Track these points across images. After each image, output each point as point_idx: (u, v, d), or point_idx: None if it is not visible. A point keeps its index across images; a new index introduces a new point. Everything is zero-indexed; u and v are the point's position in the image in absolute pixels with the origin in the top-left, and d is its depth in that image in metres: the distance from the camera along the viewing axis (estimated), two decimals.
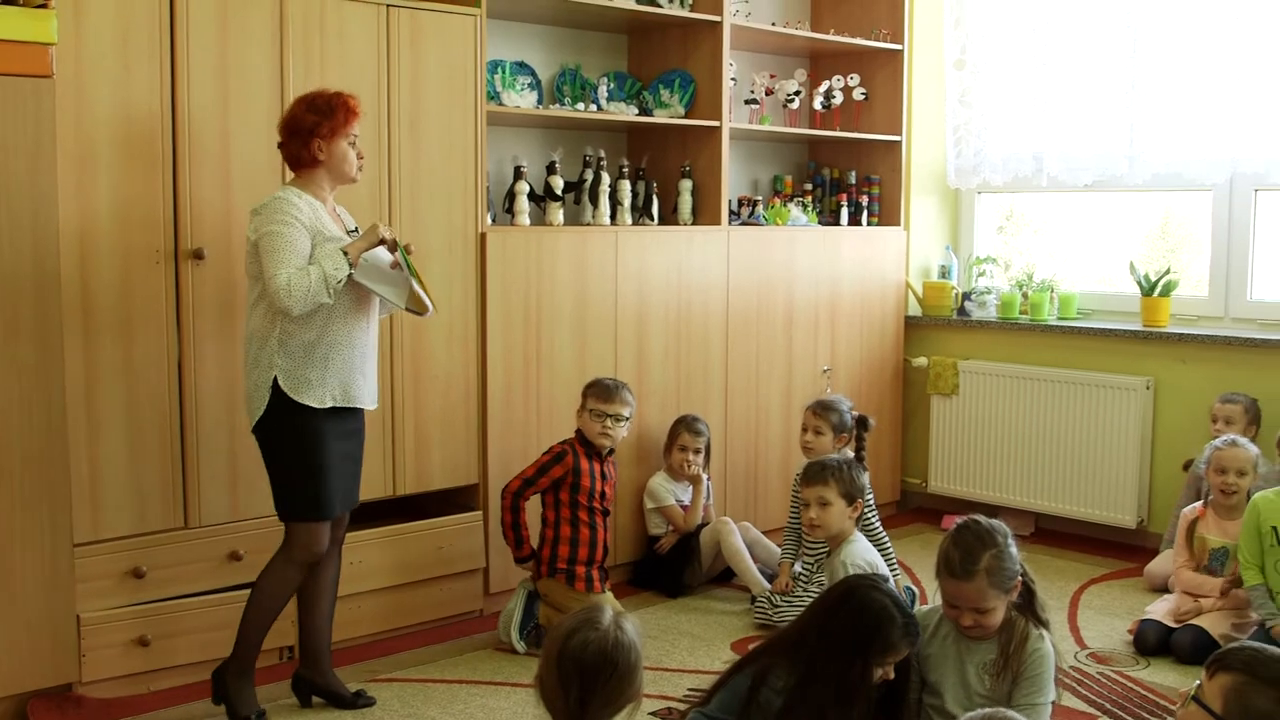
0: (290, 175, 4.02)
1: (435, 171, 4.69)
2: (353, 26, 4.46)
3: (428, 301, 3.98)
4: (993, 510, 6.30)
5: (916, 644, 3.16)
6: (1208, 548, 4.74)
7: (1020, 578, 3.26)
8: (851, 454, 4.97)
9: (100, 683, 4.09)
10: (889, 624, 3.06)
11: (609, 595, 4.77)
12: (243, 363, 3.94)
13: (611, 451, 4.88)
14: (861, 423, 5.09)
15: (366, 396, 3.99)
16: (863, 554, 4.19)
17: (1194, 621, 4.56)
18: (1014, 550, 3.28)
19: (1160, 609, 4.74)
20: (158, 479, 4.17)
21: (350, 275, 3.77)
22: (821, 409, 5.18)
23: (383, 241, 3.87)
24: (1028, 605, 3.30)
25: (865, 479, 4.51)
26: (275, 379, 3.80)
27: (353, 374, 3.91)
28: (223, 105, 4.19)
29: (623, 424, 4.83)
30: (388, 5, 4.55)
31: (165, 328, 4.14)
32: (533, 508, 4.79)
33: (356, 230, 4.02)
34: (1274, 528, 4.34)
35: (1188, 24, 5.72)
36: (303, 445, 3.88)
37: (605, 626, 2.58)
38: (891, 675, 3.10)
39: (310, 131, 3.86)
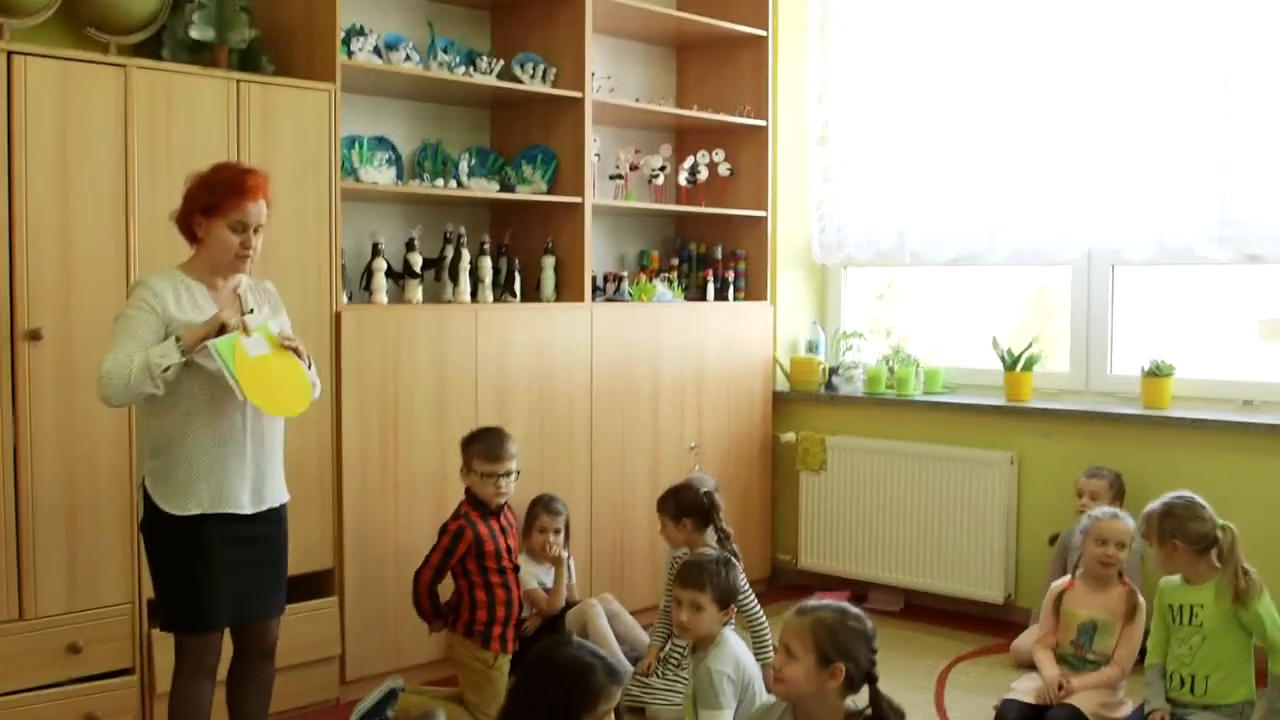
0: None
1: (288, 249, 4.64)
2: (201, 100, 4.42)
3: (239, 394, 3.60)
4: (863, 587, 6.37)
5: (624, 682, 3.08)
6: (1075, 622, 4.74)
7: (845, 665, 3.15)
8: (713, 536, 4.97)
9: None
10: (590, 673, 2.98)
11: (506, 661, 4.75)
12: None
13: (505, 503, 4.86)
14: (709, 501, 5.06)
15: (245, 500, 3.72)
16: (729, 658, 4.07)
17: (1069, 700, 4.53)
18: (852, 637, 3.19)
19: (1024, 687, 4.74)
20: None
21: (181, 362, 3.52)
22: (660, 502, 5.15)
23: (223, 328, 3.58)
24: (874, 704, 3.23)
25: (739, 576, 4.43)
26: (144, 480, 3.67)
27: (225, 476, 3.67)
28: (61, 180, 4.12)
29: (514, 476, 4.80)
30: (238, 80, 4.52)
31: (0, 411, 4.03)
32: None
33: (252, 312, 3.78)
34: (1169, 606, 4.38)
35: (1044, 103, 5.90)
36: (175, 554, 3.68)
37: None
38: None
39: (192, 205, 3.68)
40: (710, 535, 4.99)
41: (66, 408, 4.15)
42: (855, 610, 3.27)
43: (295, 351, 3.78)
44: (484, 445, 4.74)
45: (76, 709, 4.20)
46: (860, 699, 3.26)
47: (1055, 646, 4.78)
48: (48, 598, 4.16)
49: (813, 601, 3.32)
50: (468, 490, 4.77)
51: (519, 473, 4.84)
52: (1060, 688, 4.55)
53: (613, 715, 3.02)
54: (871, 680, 3.21)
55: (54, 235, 4.11)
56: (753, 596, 4.78)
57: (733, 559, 4.52)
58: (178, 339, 3.54)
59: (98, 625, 4.25)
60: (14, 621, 4.10)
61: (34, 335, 4.06)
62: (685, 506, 5.02)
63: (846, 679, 3.18)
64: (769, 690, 3.33)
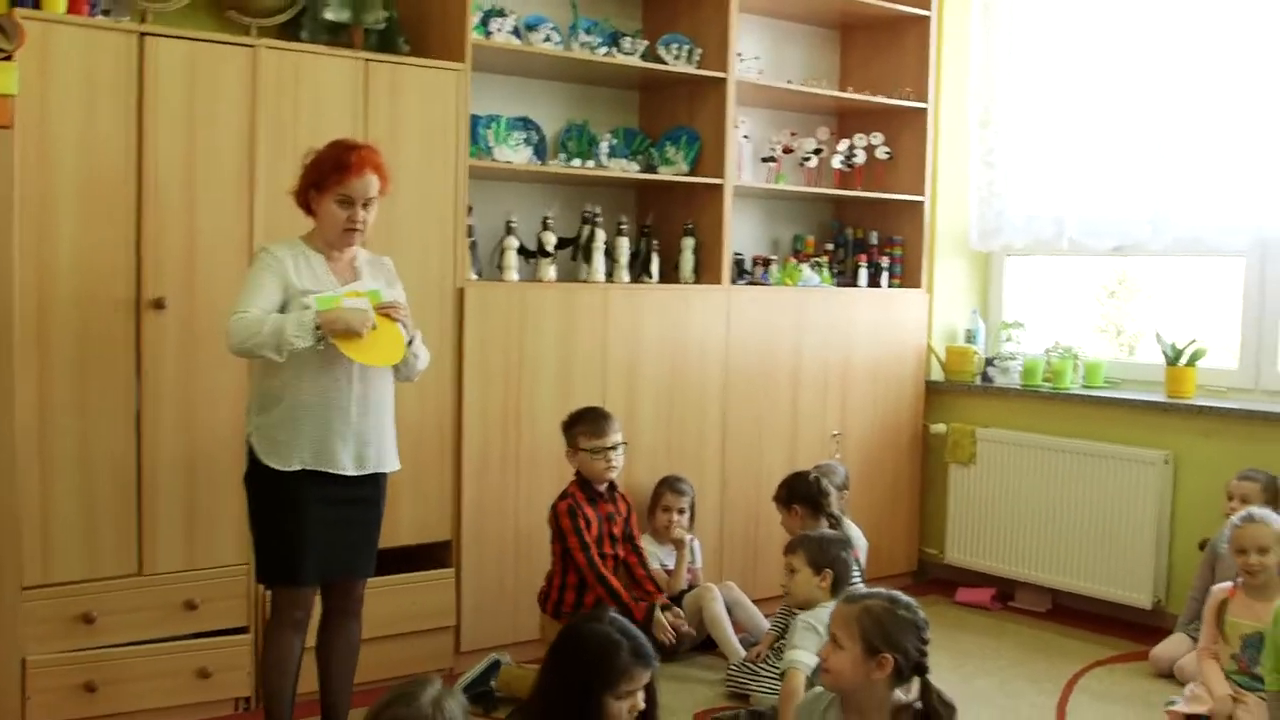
0: None
1: (412, 225, 4.77)
2: (329, 80, 4.56)
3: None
4: (1010, 585, 6.23)
5: (654, 664, 3.06)
6: (1239, 633, 4.54)
7: (894, 656, 3.11)
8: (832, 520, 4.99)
9: None
10: (614, 650, 2.99)
11: None
12: None
13: (613, 486, 4.93)
14: (818, 487, 5.07)
15: (347, 462, 3.86)
16: (823, 616, 4.12)
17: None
18: (900, 626, 3.15)
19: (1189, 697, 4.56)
20: (112, 525, 4.26)
21: (319, 343, 3.70)
22: (776, 490, 5.28)
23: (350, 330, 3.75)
24: (924, 697, 3.17)
25: (843, 551, 4.47)
26: (249, 436, 3.85)
27: (328, 436, 3.82)
28: (189, 157, 4.31)
29: (621, 450, 4.87)
30: (366, 60, 4.66)
31: (124, 375, 4.25)
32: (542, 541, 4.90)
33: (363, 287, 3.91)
34: None
35: (1213, 87, 5.63)
36: (273, 508, 3.85)
37: (420, 703, 2.52)
38: (642, 705, 3.02)
39: (307, 180, 3.87)
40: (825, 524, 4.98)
41: (187, 374, 4.35)
42: (906, 599, 3.22)
43: (393, 319, 3.90)
44: (589, 422, 4.81)
45: (191, 664, 4.41)
46: (912, 691, 3.21)
47: (1218, 658, 4.59)
48: (166, 555, 4.37)
49: (863, 589, 3.28)
50: (577, 472, 4.85)
51: (626, 445, 4.88)
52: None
53: (640, 696, 3.03)
54: (922, 671, 3.16)
55: (180, 210, 4.31)
56: (858, 578, 4.72)
57: (844, 539, 4.54)
58: (317, 326, 3.69)
59: (214, 583, 4.45)
60: (133, 576, 4.32)
61: (158, 304, 4.27)
62: (795, 493, 5.08)
63: (895, 670, 3.13)
64: (820, 680, 3.29)
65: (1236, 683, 4.50)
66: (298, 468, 3.81)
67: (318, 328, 3.69)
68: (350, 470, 3.89)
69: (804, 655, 4.09)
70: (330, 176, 3.81)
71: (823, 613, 4.22)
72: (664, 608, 4.80)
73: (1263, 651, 4.39)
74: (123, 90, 4.18)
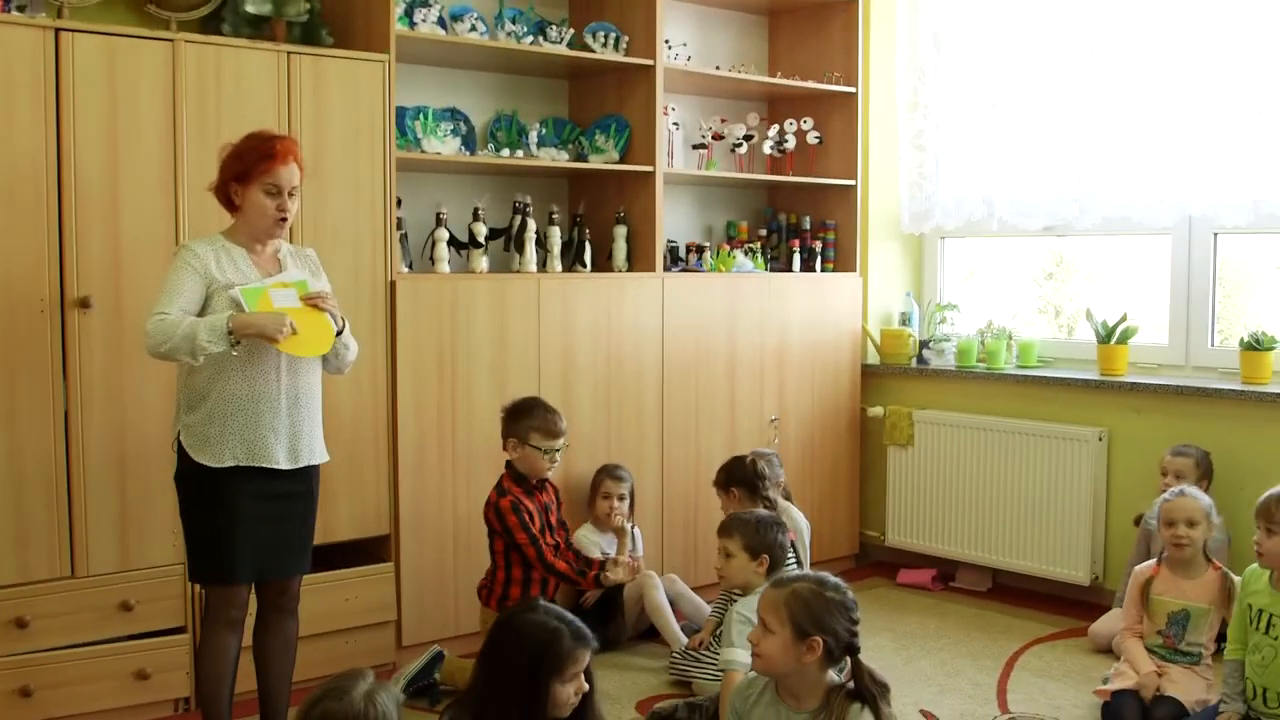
0: None
1: (341, 219, 4.74)
2: (252, 73, 4.53)
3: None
4: (951, 565, 6.28)
5: (594, 645, 3.07)
6: (1165, 610, 4.55)
7: (827, 639, 3.12)
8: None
9: None
10: (556, 636, 2.99)
11: None
12: None
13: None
14: (754, 470, 5.11)
15: (280, 455, 3.85)
16: (749, 606, 4.14)
17: (1169, 693, 4.35)
18: (830, 609, 3.14)
19: (1119, 677, 4.55)
20: (42, 527, 4.22)
21: (228, 349, 3.67)
22: (716, 475, 5.30)
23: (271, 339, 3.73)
24: (861, 693, 3.18)
25: (780, 536, 4.46)
26: (179, 434, 3.81)
27: (259, 431, 3.80)
28: (112, 153, 4.27)
29: (563, 449, 4.85)
30: (289, 53, 4.62)
31: (50, 376, 4.21)
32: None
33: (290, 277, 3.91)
34: (1249, 605, 4.16)
35: (1137, 67, 5.71)
36: (205, 506, 3.81)
37: (351, 696, 2.50)
38: (586, 687, 3.03)
39: (226, 173, 3.83)
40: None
41: (116, 374, 4.31)
42: (834, 580, 3.23)
43: (321, 308, 3.89)
44: (542, 418, 4.75)
45: (128, 665, 4.37)
46: (845, 671, 3.23)
47: (1142, 637, 4.60)
48: (99, 557, 4.33)
49: (791, 573, 3.28)
50: (509, 465, 4.81)
51: (568, 446, 4.90)
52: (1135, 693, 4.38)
53: (583, 678, 3.03)
54: (853, 652, 3.17)
55: (103, 208, 4.27)
56: (794, 561, 4.73)
57: (779, 521, 4.53)
58: (230, 331, 3.65)
59: (149, 584, 4.41)
60: (66, 579, 4.28)
61: (84, 303, 4.23)
62: (734, 477, 5.10)
63: (825, 652, 3.14)
64: (753, 665, 3.30)
65: (1161, 656, 4.52)
66: (230, 464, 3.78)
67: (231, 332, 3.65)
68: (284, 464, 3.87)
69: (741, 654, 4.04)
70: (256, 167, 3.80)
71: (753, 602, 4.19)
72: (608, 565, 4.78)
73: (1188, 627, 4.48)
74: (40, 87, 4.13)
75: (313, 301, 3.87)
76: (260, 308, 3.75)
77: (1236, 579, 4.43)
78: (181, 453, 3.80)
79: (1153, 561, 4.71)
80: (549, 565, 4.68)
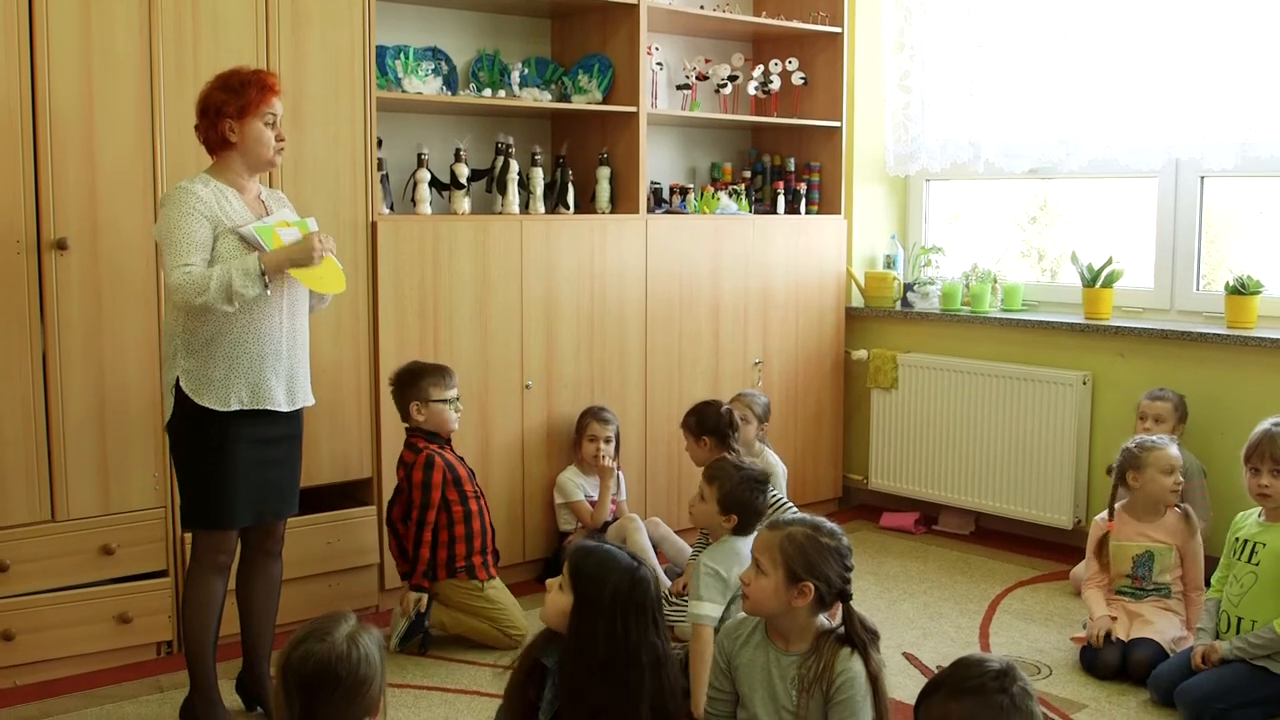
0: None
1: (320, 159, 4.74)
2: (227, 11, 4.51)
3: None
4: (934, 509, 6.34)
5: (654, 587, 3.16)
6: (1129, 554, 4.64)
7: (819, 585, 3.14)
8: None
9: None
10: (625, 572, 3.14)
11: (499, 582, 4.85)
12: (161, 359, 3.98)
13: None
14: (729, 419, 5.13)
15: (281, 397, 3.90)
16: (723, 557, 4.08)
17: (1146, 635, 4.45)
18: (823, 553, 3.16)
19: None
20: (21, 471, 4.25)
21: (264, 291, 3.73)
22: (684, 418, 5.27)
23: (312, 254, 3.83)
24: (851, 639, 3.20)
25: (758, 498, 4.37)
26: (177, 379, 3.80)
27: (263, 373, 3.83)
28: (87, 91, 4.26)
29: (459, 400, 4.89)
30: None
31: (28, 318, 4.22)
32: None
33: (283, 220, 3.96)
34: (1236, 537, 4.27)
35: (1125, 7, 5.71)
36: (205, 450, 3.83)
37: (333, 638, 2.52)
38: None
39: (219, 111, 3.82)
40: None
41: (94, 316, 4.33)
42: (830, 526, 3.25)
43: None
44: (437, 374, 4.78)
45: (109, 609, 4.41)
46: (836, 617, 3.27)
47: (1108, 585, 4.70)
48: (79, 500, 4.36)
49: (788, 516, 3.31)
50: (415, 430, 4.80)
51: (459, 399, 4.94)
52: (1109, 635, 4.47)
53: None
54: (845, 598, 3.21)
55: (79, 147, 4.26)
56: (789, 505, 4.74)
57: (763, 483, 4.46)
58: (262, 271, 3.71)
59: (130, 528, 4.45)
60: (46, 523, 4.31)
61: (60, 245, 4.23)
62: (706, 424, 5.07)
63: (816, 597, 3.18)
64: (742, 606, 3.34)
65: (1133, 597, 4.62)
66: (236, 407, 3.81)
67: (263, 273, 3.71)
68: (284, 406, 3.93)
69: (709, 608, 3.99)
70: (256, 98, 3.83)
71: (723, 554, 4.19)
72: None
73: (1153, 567, 4.60)
74: (12, 22, 4.11)
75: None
76: (274, 245, 3.82)
77: (1195, 516, 4.64)
78: (180, 397, 3.80)
79: (1104, 515, 4.79)
80: (418, 539, 4.73)
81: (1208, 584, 4.47)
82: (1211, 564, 4.49)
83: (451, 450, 4.87)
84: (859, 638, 3.18)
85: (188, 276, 3.65)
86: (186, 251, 3.69)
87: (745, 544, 4.06)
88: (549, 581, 3.26)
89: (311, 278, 3.87)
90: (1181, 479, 4.65)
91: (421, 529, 4.71)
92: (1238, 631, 4.14)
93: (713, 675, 3.39)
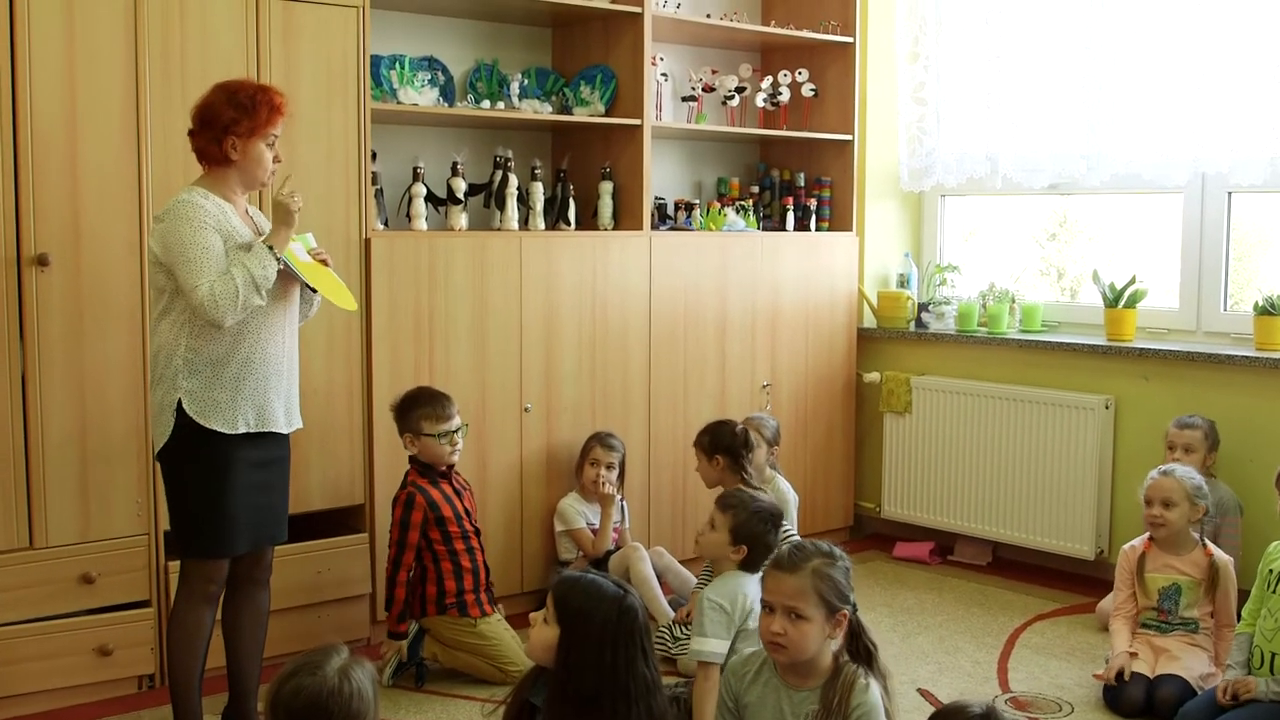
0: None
1: (312, 173, 4.69)
2: (217, 20, 4.47)
3: (310, 289, 4.00)
4: (949, 538, 6.29)
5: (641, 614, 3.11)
6: (1155, 586, 4.59)
7: (848, 610, 3.15)
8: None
9: None
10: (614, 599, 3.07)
11: (497, 617, 4.78)
12: (148, 381, 3.94)
13: (452, 468, 4.86)
14: (743, 438, 5.08)
15: (281, 419, 3.90)
16: (727, 591, 4.01)
17: (1172, 671, 4.39)
18: (845, 576, 3.18)
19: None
20: None
21: (279, 268, 3.76)
22: (697, 436, 5.23)
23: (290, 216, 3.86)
24: (857, 650, 3.19)
25: (771, 535, 4.30)
26: (179, 401, 3.74)
27: (268, 395, 3.83)
28: (70, 100, 4.22)
29: (463, 432, 4.80)
30: None
31: (5, 337, 4.17)
32: None
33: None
34: (1270, 571, 4.19)
35: (1149, 18, 5.68)
36: (208, 475, 3.79)
37: (325, 671, 2.48)
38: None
39: (226, 128, 3.78)
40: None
41: (75, 334, 4.28)
42: (828, 547, 3.25)
43: (324, 262, 4.03)
44: (430, 405, 4.71)
45: (89, 640, 4.36)
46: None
47: (1136, 615, 4.64)
48: (59, 527, 4.30)
49: (788, 550, 3.25)
50: (413, 460, 4.76)
51: (468, 427, 4.87)
52: (1121, 674, 4.39)
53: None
54: (854, 609, 3.22)
55: (61, 159, 4.21)
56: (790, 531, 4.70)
57: (777, 518, 4.39)
58: (270, 247, 3.76)
59: (112, 556, 4.39)
60: (23, 550, 4.25)
61: (41, 261, 4.18)
62: (720, 444, 5.04)
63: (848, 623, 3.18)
64: (775, 657, 3.27)
65: (1159, 631, 4.57)
66: (243, 430, 3.79)
67: (270, 248, 3.76)
68: (283, 428, 3.94)
69: (715, 644, 3.91)
70: (265, 118, 3.82)
71: (727, 588, 4.13)
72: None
73: (1180, 601, 4.54)
74: None
75: (320, 257, 3.99)
76: (289, 257, 3.87)
77: (1223, 559, 4.55)
78: (183, 420, 3.75)
79: (1143, 537, 4.74)
80: (389, 582, 4.70)
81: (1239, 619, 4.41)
82: (1243, 597, 4.42)
83: (452, 482, 4.81)
84: (868, 644, 3.21)
85: (213, 289, 3.64)
86: (209, 267, 3.67)
87: (750, 581, 4.00)
88: (533, 615, 3.22)
89: (329, 289, 3.94)
90: (1160, 512, 4.58)
91: (397, 569, 4.67)
92: (1271, 668, 4.06)
93: (719, 714, 3.34)
